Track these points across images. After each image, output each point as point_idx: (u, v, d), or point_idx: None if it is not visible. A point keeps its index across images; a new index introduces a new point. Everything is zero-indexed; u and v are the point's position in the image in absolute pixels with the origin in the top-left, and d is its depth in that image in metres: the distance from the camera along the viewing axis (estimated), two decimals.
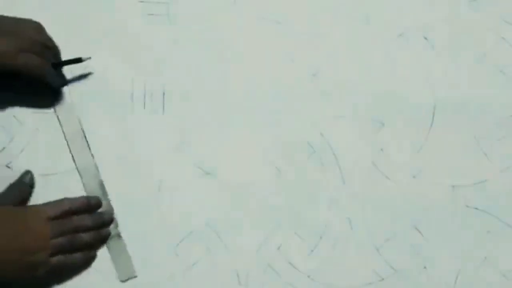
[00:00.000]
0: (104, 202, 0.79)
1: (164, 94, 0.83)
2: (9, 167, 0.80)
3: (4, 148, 0.80)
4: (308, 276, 0.79)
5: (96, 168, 0.80)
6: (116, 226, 0.79)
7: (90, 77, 0.83)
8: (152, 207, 0.80)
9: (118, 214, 0.80)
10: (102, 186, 0.79)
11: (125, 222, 0.79)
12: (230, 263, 0.79)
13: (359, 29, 0.86)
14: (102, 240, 0.78)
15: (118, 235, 0.78)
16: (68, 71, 0.83)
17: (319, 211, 0.81)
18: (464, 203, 0.82)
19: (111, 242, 0.78)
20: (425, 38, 0.86)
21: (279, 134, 0.83)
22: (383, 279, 0.80)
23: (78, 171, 0.79)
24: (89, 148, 0.80)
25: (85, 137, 0.80)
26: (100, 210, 0.79)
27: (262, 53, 0.85)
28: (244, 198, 0.81)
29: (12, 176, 0.79)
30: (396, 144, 0.83)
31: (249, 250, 0.80)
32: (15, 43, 0.74)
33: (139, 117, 0.83)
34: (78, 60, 0.81)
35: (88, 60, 0.81)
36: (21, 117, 0.81)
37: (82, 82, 0.82)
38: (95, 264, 0.77)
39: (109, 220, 0.78)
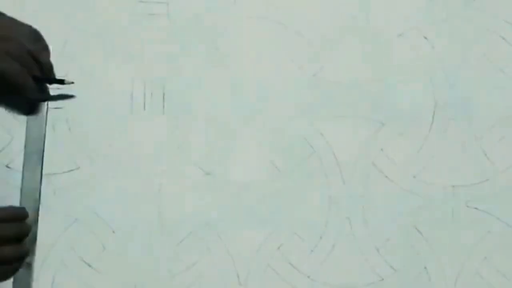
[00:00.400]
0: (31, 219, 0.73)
1: (164, 94, 0.83)
2: (9, 167, 0.80)
3: (4, 148, 0.80)
4: (308, 276, 0.79)
5: (39, 192, 0.76)
6: (32, 254, 0.73)
7: (90, 77, 0.83)
8: (152, 207, 0.80)
9: (119, 214, 0.80)
10: (37, 210, 0.76)
11: (125, 222, 0.79)
12: (230, 263, 0.79)
13: (359, 29, 0.86)
14: (22, 256, 0.70)
15: (29, 264, 0.76)
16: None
17: (319, 211, 0.81)
18: (464, 203, 0.81)
19: (20, 270, 0.71)
20: (425, 38, 0.86)
21: (279, 134, 0.83)
22: (383, 279, 0.80)
23: (21, 189, 0.77)
24: (42, 171, 0.77)
25: (43, 158, 0.78)
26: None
27: (262, 53, 0.85)
28: (244, 198, 0.81)
29: (12, 176, 0.79)
30: (396, 144, 0.83)
31: (249, 250, 0.80)
32: (2, 45, 0.71)
33: (139, 117, 0.82)
34: (60, 81, 0.77)
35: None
36: (21, 117, 0.81)
37: (65, 101, 0.80)
38: None
39: (28, 231, 0.71)
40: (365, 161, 0.82)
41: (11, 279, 0.74)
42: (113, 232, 0.79)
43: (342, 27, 0.86)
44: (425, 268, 0.80)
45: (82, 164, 0.81)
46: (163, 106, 0.83)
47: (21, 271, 0.73)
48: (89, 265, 0.79)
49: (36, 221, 0.75)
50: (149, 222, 0.80)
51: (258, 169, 0.82)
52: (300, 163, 0.82)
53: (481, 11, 0.87)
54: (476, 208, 0.81)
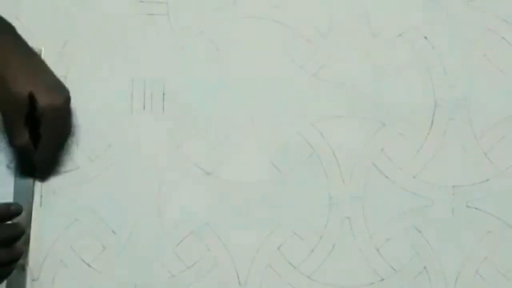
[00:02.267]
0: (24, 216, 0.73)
1: (164, 94, 0.83)
2: (9, 167, 0.80)
3: (4, 148, 0.80)
4: (308, 276, 0.79)
5: (32, 194, 0.76)
6: (26, 256, 0.74)
7: (90, 77, 0.83)
8: (152, 207, 0.80)
9: (119, 214, 0.80)
10: (30, 212, 0.75)
11: (125, 222, 0.79)
12: (230, 263, 0.79)
13: (359, 29, 0.86)
14: (16, 259, 0.70)
15: (22, 267, 0.75)
16: None
17: (319, 211, 0.81)
18: (464, 203, 0.81)
19: (13, 273, 0.71)
20: (425, 38, 0.86)
21: (279, 134, 0.83)
22: (383, 279, 0.80)
23: (14, 191, 0.76)
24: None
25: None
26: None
27: (262, 53, 0.85)
28: (244, 198, 0.81)
29: (12, 176, 0.79)
30: (396, 144, 0.83)
31: (249, 250, 0.80)
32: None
33: (139, 117, 0.82)
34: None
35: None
36: None
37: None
38: None
39: (21, 233, 0.71)
40: (365, 161, 0.82)
41: (5, 282, 0.74)
42: (113, 232, 0.79)
43: (342, 27, 0.86)
44: (425, 268, 0.80)
45: (82, 164, 0.81)
46: (163, 106, 0.83)
47: (15, 273, 0.73)
48: (89, 265, 0.79)
49: (29, 223, 0.75)
50: (149, 222, 0.80)
51: (258, 169, 0.82)
52: (300, 163, 0.82)
53: (481, 11, 0.87)
54: (476, 208, 0.81)
